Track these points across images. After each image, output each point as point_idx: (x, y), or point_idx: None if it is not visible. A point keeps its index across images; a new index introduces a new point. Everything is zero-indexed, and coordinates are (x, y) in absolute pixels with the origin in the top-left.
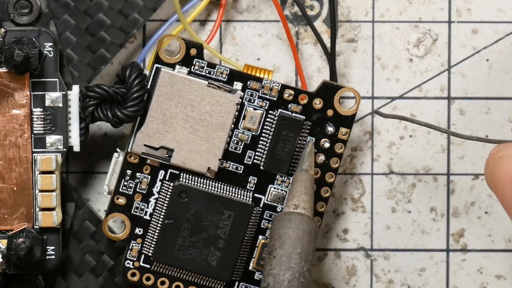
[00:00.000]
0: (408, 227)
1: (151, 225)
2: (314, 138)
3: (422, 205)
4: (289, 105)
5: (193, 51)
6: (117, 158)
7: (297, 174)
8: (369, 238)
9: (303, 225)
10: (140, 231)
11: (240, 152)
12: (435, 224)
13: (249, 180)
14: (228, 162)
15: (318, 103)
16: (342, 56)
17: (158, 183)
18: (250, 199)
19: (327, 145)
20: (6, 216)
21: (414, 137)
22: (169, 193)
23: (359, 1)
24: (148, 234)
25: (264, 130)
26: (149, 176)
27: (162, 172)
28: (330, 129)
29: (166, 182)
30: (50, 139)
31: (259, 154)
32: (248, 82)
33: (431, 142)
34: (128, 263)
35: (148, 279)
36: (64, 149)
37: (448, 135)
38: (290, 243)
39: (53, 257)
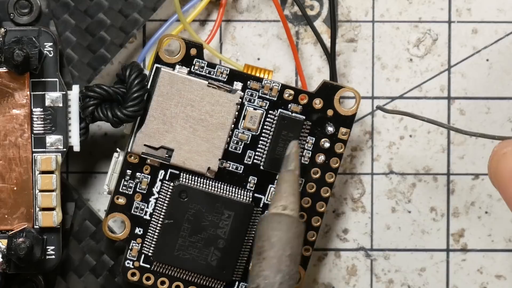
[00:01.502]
0: (408, 227)
1: (151, 225)
2: (299, 139)
3: (422, 205)
4: (289, 105)
5: (193, 51)
6: (117, 158)
7: (283, 174)
8: (369, 238)
9: (293, 227)
10: (140, 231)
11: (240, 152)
12: (435, 224)
13: (249, 180)
14: (228, 162)
15: (318, 103)
16: (342, 56)
17: (158, 183)
18: (250, 199)
19: (327, 145)
20: (6, 216)
21: (414, 137)
22: (169, 193)
23: (359, 1)
24: (148, 234)
25: (264, 130)
26: (149, 176)
27: (162, 172)
28: (330, 129)
29: (166, 182)
30: (50, 139)
31: (259, 154)
32: (248, 82)
33: (431, 142)
34: (128, 263)
35: (148, 279)
36: (64, 149)
37: (448, 133)
38: (280, 245)
39: (53, 257)
